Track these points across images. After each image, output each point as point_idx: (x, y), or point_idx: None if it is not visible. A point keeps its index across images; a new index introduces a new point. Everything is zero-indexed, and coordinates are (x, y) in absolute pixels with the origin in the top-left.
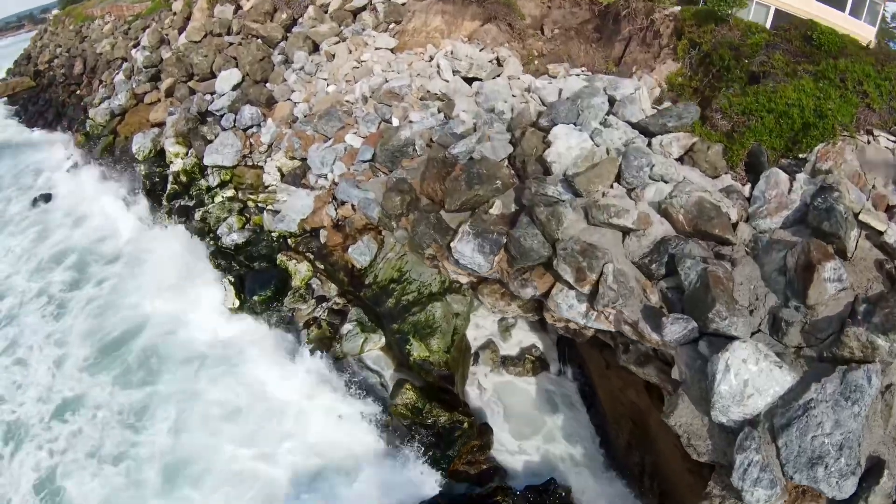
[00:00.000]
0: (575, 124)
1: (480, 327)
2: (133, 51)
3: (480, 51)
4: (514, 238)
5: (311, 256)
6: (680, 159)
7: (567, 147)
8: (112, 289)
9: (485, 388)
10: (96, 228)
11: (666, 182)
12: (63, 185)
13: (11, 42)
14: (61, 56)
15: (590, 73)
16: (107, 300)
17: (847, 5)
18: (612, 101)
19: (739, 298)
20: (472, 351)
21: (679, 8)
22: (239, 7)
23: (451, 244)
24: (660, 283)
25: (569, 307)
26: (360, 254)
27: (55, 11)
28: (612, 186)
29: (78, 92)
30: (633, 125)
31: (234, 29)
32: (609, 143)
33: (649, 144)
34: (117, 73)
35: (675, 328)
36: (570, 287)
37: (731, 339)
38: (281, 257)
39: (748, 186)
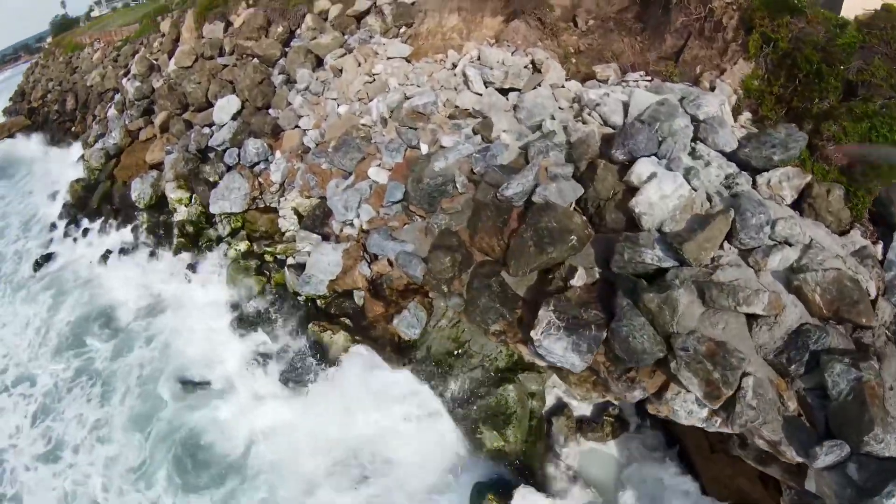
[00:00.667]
0: (657, 156)
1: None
2: (124, 80)
3: (512, 54)
4: (618, 335)
5: (348, 322)
6: (794, 204)
7: (661, 196)
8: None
9: (564, 462)
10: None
11: (790, 245)
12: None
13: (10, 75)
14: (54, 91)
15: (649, 78)
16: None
17: None
18: (694, 120)
19: (891, 409)
20: (545, 417)
21: None
22: (229, 24)
23: (534, 336)
24: (796, 381)
25: (688, 414)
26: (407, 326)
27: (50, 39)
28: (721, 247)
29: (73, 129)
30: (729, 156)
31: (226, 49)
32: (707, 184)
33: (754, 185)
34: (110, 107)
35: (830, 458)
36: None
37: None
38: (313, 328)
39: (879, 245)
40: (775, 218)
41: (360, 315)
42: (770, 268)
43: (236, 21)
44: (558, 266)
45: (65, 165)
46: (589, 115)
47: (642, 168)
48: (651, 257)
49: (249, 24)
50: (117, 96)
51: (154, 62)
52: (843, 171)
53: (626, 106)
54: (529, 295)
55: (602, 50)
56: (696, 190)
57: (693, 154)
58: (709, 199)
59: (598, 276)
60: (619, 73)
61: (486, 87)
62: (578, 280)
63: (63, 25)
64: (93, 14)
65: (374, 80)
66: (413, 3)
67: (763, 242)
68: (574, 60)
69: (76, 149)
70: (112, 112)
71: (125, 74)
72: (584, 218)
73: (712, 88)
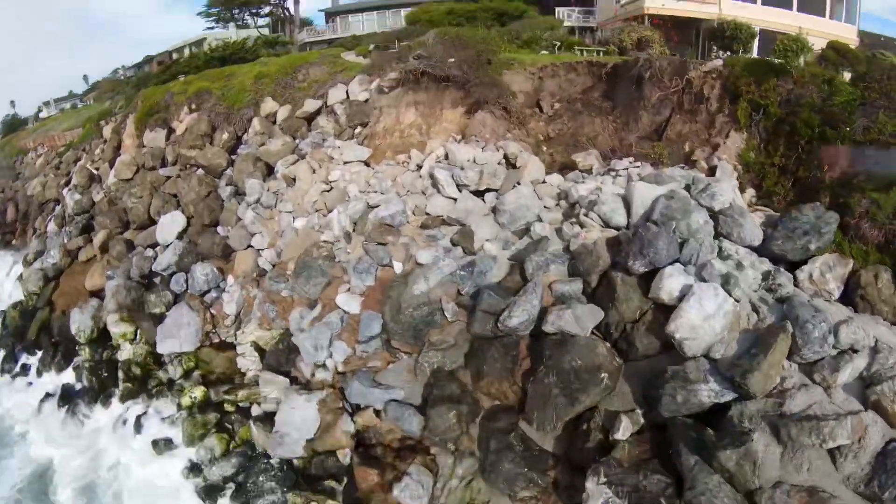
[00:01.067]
0: (680, 262)
1: None
2: (64, 191)
3: (483, 150)
4: None
5: (335, 485)
6: (842, 297)
7: (704, 317)
8: None
9: None
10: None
11: (856, 351)
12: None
13: None
14: None
15: (637, 164)
16: None
17: (826, 9)
18: (710, 212)
19: None
20: None
21: (721, 61)
22: (171, 131)
23: None
24: None
25: None
26: (412, 497)
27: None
28: (782, 367)
29: (13, 242)
30: (758, 250)
31: (169, 159)
32: (749, 292)
33: (795, 282)
34: (50, 220)
35: None
36: None
37: None
38: (294, 499)
39: None
40: (835, 323)
41: (349, 476)
42: (840, 382)
43: (178, 127)
44: (590, 410)
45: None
46: (586, 216)
47: (672, 283)
48: (707, 394)
49: (192, 131)
50: (58, 208)
51: (95, 171)
52: (881, 249)
53: (625, 201)
54: (560, 449)
55: (575, 134)
56: (738, 301)
57: (721, 254)
58: (754, 309)
59: (642, 420)
60: (601, 159)
61: (460, 191)
62: (624, 432)
63: (12, 125)
64: (41, 115)
65: (332, 188)
66: (366, 101)
67: (827, 353)
68: (546, 149)
69: (17, 267)
70: (52, 227)
71: (66, 184)
72: (608, 344)
73: (711, 168)
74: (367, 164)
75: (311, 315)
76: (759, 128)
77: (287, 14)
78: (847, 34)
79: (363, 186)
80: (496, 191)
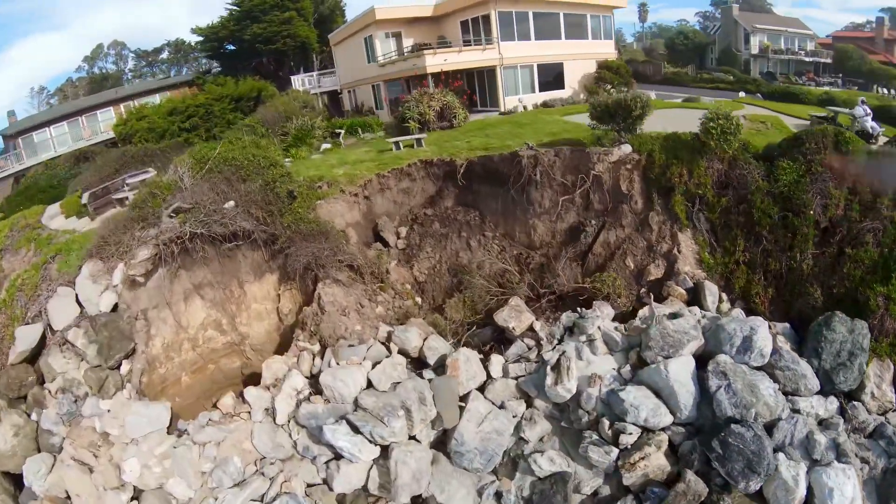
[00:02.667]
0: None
1: None
2: None
3: (368, 350)
4: None
5: None
6: None
7: None
8: None
9: None
10: None
11: None
12: None
13: None
14: None
15: (596, 311)
16: None
17: (588, 32)
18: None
19: None
20: None
21: (629, 148)
22: None
23: None
24: None
25: None
26: None
27: None
28: None
29: None
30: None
31: None
32: (852, 447)
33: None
34: None
35: None
36: None
37: None
38: None
39: None
40: None
41: None
42: None
43: None
44: None
45: None
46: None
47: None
48: None
49: None
50: None
51: None
52: None
53: (650, 387)
54: None
55: (453, 268)
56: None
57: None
58: (864, 461)
59: None
60: (529, 308)
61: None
62: None
63: None
64: None
65: (140, 496)
66: (115, 308)
67: None
68: (428, 305)
69: None
70: None
71: None
72: None
73: (688, 290)
74: (173, 430)
75: None
76: (706, 224)
77: None
78: (608, 50)
79: (194, 480)
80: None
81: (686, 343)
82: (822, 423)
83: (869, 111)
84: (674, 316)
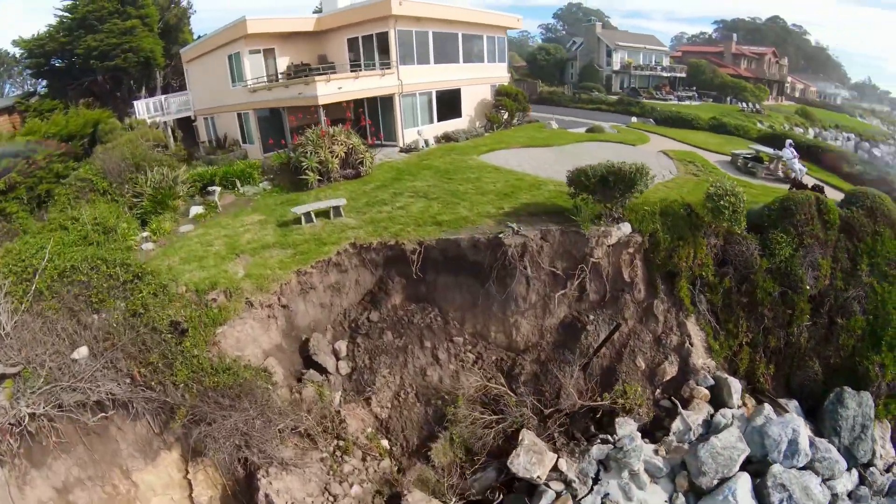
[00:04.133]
0: None
1: None
2: None
3: None
4: None
5: None
6: None
7: None
8: None
9: None
10: None
11: None
12: None
13: None
14: None
15: (650, 443)
16: None
17: (484, 55)
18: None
19: None
20: None
21: (629, 228)
22: None
23: None
24: None
25: None
26: None
27: None
28: None
29: None
30: None
31: None
32: None
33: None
34: None
35: None
36: None
37: None
38: None
39: None
40: None
41: None
42: None
43: None
44: None
45: None
46: None
47: None
48: None
49: None
50: None
51: None
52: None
53: None
54: None
55: (423, 395)
56: None
57: None
58: None
59: None
60: (572, 459)
61: None
62: None
63: None
64: None
65: None
66: None
67: None
68: (403, 463)
69: None
70: None
71: None
72: None
73: (710, 388)
74: None
75: None
76: (700, 304)
77: None
78: (502, 74)
79: None
80: None
81: (737, 459)
82: (851, 496)
83: (796, 153)
84: (707, 425)
